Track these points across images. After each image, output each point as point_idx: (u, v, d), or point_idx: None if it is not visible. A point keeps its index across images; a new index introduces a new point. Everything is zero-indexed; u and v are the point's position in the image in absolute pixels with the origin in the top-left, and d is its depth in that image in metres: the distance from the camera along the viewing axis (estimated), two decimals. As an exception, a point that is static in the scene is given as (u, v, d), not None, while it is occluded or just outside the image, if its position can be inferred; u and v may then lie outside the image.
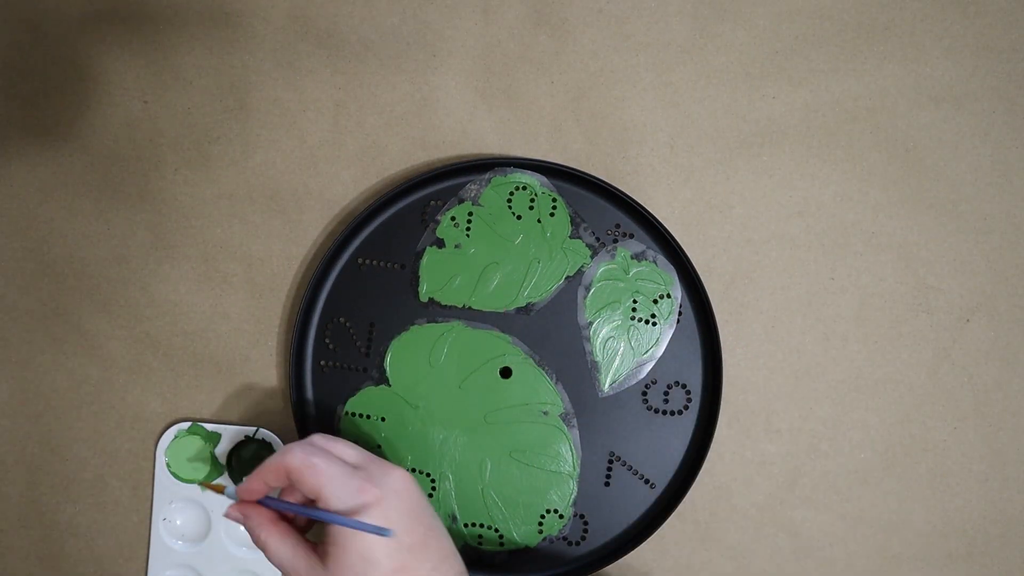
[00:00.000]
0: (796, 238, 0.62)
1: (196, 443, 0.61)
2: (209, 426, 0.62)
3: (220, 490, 0.53)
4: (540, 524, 0.60)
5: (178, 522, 0.62)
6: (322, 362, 0.61)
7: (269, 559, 0.50)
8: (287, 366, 0.61)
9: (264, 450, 0.61)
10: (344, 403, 0.61)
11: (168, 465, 0.61)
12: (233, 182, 0.63)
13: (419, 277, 0.60)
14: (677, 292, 0.60)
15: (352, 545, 0.47)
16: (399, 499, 0.49)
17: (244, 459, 0.61)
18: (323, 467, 0.48)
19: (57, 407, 0.63)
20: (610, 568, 0.61)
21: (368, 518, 0.47)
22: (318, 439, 0.52)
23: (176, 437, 0.61)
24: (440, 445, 0.60)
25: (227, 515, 0.52)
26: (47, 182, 0.64)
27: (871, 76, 0.62)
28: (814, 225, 0.62)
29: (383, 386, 0.60)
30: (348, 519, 0.47)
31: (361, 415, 0.60)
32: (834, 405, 0.61)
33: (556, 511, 0.60)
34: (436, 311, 0.60)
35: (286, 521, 0.52)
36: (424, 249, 0.61)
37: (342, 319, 0.61)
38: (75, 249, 0.64)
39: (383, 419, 0.60)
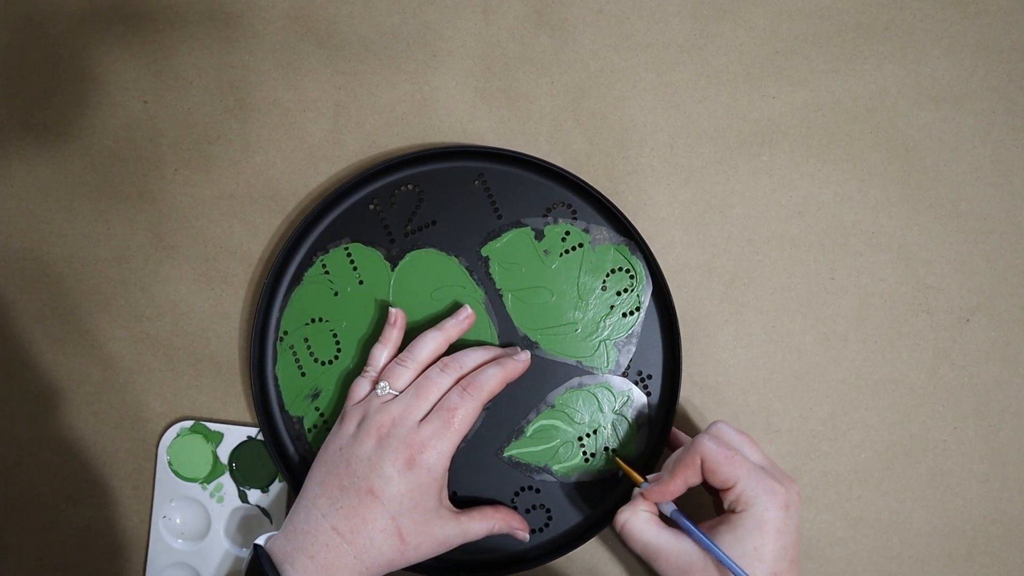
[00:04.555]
0: (796, 238, 0.62)
1: (198, 442, 0.61)
2: (211, 425, 0.62)
3: (638, 482, 0.54)
4: None
5: (178, 520, 0.62)
6: (373, 204, 0.61)
7: (644, 548, 0.52)
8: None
9: (266, 450, 0.61)
10: (350, 241, 0.61)
11: (170, 463, 0.61)
12: (233, 182, 0.63)
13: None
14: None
15: (747, 542, 0.49)
16: (796, 512, 0.50)
17: (246, 459, 0.61)
18: (740, 459, 0.50)
19: (57, 407, 0.64)
20: (610, 568, 0.61)
21: (773, 520, 0.49)
22: (724, 430, 0.53)
23: (178, 435, 0.61)
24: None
25: (644, 496, 0.54)
26: (47, 182, 0.64)
27: (871, 76, 0.62)
28: (814, 225, 0.62)
29: (389, 263, 0.61)
30: (721, 554, 0.49)
31: (350, 254, 0.61)
32: (834, 405, 0.61)
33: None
34: (479, 268, 0.61)
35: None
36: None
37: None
38: (75, 249, 0.64)
39: (361, 282, 0.61)
